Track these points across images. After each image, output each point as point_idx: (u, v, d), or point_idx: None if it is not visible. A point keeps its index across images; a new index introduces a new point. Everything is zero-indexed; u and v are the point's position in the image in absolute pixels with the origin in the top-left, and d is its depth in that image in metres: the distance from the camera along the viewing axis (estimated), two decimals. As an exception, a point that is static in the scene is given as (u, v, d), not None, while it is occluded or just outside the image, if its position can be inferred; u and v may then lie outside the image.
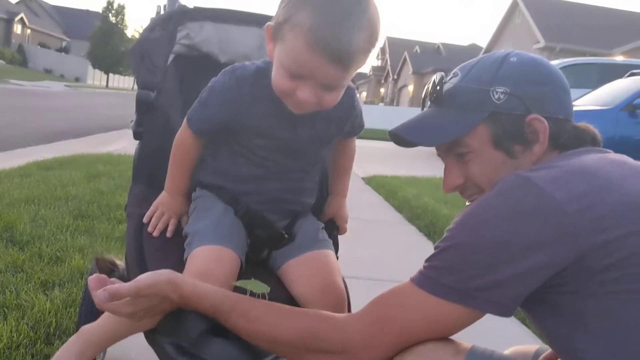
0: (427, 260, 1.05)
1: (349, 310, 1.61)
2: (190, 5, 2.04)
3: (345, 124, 1.52)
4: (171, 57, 1.83)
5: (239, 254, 1.40)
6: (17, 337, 2.02)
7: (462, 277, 0.98)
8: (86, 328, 1.36)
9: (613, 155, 1.10)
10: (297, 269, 1.45)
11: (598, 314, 0.96)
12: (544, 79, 1.14)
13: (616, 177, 0.99)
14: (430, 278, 1.02)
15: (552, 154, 1.13)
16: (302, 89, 1.23)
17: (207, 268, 1.31)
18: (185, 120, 1.48)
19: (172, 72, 1.80)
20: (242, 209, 1.48)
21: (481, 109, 1.14)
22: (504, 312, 0.99)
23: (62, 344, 2.03)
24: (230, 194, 1.49)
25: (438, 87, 1.19)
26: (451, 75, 1.21)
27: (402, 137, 1.20)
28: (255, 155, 1.45)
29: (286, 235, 1.51)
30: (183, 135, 1.50)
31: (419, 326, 1.03)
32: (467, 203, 1.23)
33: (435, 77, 1.21)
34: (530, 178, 0.99)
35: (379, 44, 1.28)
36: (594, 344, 0.97)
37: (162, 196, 1.57)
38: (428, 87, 1.23)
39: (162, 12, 2.07)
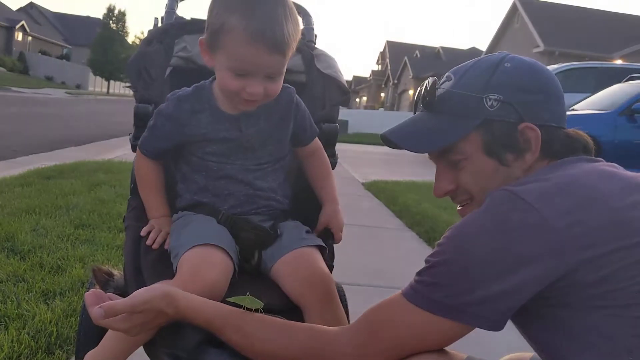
0: (417, 274, 1.06)
1: (347, 313, 1.63)
2: (188, 18, 2.07)
3: (289, 119, 1.60)
4: (168, 70, 1.85)
5: (229, 254, 1.43)
6: (18, 347, 2.05)
7: (451, 293, 1.00)
8: (90, 355, 1.38)
9: (603, 166, 1.10)
10: (285, 268, 1.48)
11: (585, 328, 0.97)
12: (538, 86, 1.13)
13: (604, 191, 1.00)
14: (421, 293, 1.03)
15: (543, 162, 1.13)
16: (250, 84, 1.38)
17: (197, 268, 1.35)
18: (138, 148, 1.62)
19: (169, 85, 1.81)
20: (223, 216, 1.53)
21: (474, 116, 1.13)
22: (493, 326, 1.00)
23: (64, 353, 2.07)
24: (208, 205, 1.55)
25: (431, 92, 1.19)
26: (444, 78, 1.20)
27: (394, 142, 1.21)
28: (212, 163, 1.54)
29: (271, 232, 1.55)
30: (140, 163, 1.64)
31: (410, 340, 1.04)
32: (458, 207, 1.24)
33: (428, 81, 1.21)
34: (518, 193, 0.99)
35: (300, 29, 1.44)
36: (581, 356, 0.98)
37: (152, 221, 1.61)
38: (420, 91, 1.23)
39: (159, 24, 2.08)
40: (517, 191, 1.00)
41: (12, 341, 2.07)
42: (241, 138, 1.53)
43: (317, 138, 1.72)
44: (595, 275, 0.94)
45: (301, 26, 1.44)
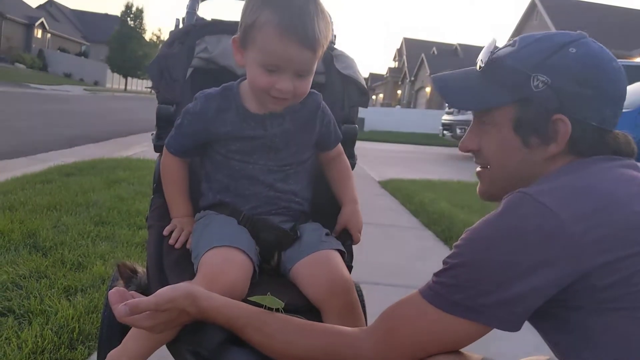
0: (435, 275, 1.07)
1: (365, 312, 1.64)
2: (208, 18, 2.09)
3: (314, 124, 1.62)
4: (190, 70, 1.87)
5: (249, 255, 1.45)
6: (42, 342, 2.09)
7: (470, 295, 1.01)
8: (112, 354, 1.40)
9: (622, 169, 1.08)
10: (304, 270, 1.49)
11: (601, 329, 0.98)
12: (593, 82, 1.09)
13: (622, 195, 1.00)
14: (439, 294, 1.04)
15: (567, 158, 1.12)
16: (280, 80, 1.41)
17: (217, 269, 1.37)
18: (164, 147, 1.64)
19: (190, 86, 1.83)
20: (244, 217, 1.55)
21: (516, 90, 1.12)
22: (511, 327, 1.01)
23: (85, 349, 2.10)
24: (230, 206, 1.57)
25: (485, 54, 1.18)
26: (510, 43, 1.19)
27: (439, 91, 1.23)
28: (235, 162, 1.57)
29: (291, 234, 1.56)
30: (166, 161, 1.67)
31: (428, 340, 1.06)
32: (477, 169, 1.25)
33: (488, 44, 1.21)
34: (535, 196, 1.00)
35: (332, 33, 1.47)
36: (596, 356, 0.99)
37: (174, 220, 1.63)
38: (483, 50, 1.22)
39: (180, 25, 2.10)
40: (534, 194, 1.00)
41: (36, 336, 2.11)
42: (265, 137, 1.55)
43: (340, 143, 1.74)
44: (610, 278, 0.95)
45: (332, 27, 1.47)
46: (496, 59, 1.16)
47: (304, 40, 1.36)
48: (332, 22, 1.49)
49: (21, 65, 44.38)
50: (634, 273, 0.95)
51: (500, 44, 1.24)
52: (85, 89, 38.73)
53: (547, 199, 0.99)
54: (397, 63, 68.94)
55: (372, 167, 9.23)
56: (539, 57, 1.11)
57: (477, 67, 1.21)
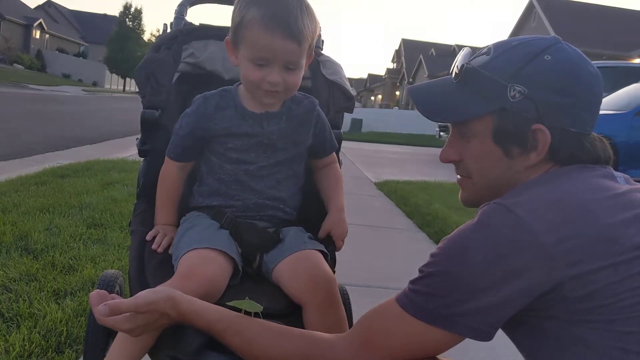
0: (411, 283, 1.07)
1: (350, 315, 1.65)
2: (196, 23, 2.09)
3: (309, 126, 1.66)
4: (176, 75, 1.87)
5: (229, 254, 1.46)
6: (30, 345, 2.09)
7: (443, 303, 1.01)
8: None
9: (599, 179, 1.08)
10: (286, 269, 1.51)
11: (572, 339, 0.99)
12: (571, 89, 1.08)
13: (595, 208, 1.00)
14: (414, 302, 1.05)
15: (548, 165, 1.12)
16: (269, 73, 1.46)
17: (193, 267, 1.39)
18: (166, 156, 1.65)
19: (176, 91, 1.84)
20: (227, 218, 1.57)
21: (493, 100, 1.10)
22: (483, 337, 1.02)
23: (73, 352, 2.11)
24: (214, 209, 1.59)
25: (460, 65, 1.16)
26: (484, 51, 1.17)
27: (416, 103, 1.22)
28: (229, 160, 1.59)
29: (274, 236, 1.58)
30: (167, 169, 1.67)
31: (403, 348, 1.06)
32: (458, 177, 1.25)
33: (462, 52, 1.20)
34: (510, 207, 1.00)
35: (319, 30, 1.54)
36: None
37: (157, 226, 1.64)
38: (456, 60, 1.20)
39: (168, 30, 2.10)
40: (508, 205, 1.01)
41: (23, 340, 2.11)
42: (262, 135, 1.58)
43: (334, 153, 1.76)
44: (582, 290, 0.96)
45: (319, 26, 1.53)
46: (472, 69, 1.15)
47: (287, 31, 1.41)
48: (318, 23, 1.52)
49: (19, 66, 44.29)
50: (605, 286, 0.96)
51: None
52: (83, 90, 38.62)
53: (521, 210, 0.99)
54: (395, 64, 69.05)
55: (368, 168, 9.24)
56: (515, 67, 1.09)
57: (453, 77, 1.19)
